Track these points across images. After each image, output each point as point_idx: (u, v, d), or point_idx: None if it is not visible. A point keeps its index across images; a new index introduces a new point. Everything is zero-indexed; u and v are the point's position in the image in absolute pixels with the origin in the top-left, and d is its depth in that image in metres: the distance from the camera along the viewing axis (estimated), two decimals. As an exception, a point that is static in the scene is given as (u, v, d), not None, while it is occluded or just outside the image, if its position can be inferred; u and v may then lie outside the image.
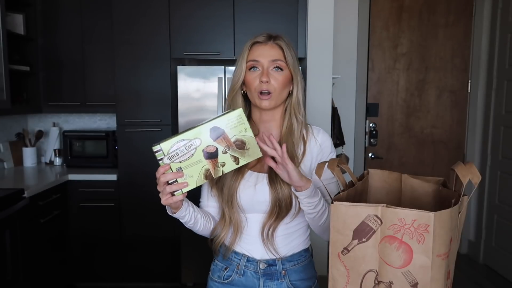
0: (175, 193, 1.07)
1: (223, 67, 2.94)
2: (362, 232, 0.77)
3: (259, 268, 1.26)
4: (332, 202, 0.81)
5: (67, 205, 3.08)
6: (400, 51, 3.70)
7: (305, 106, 1.31)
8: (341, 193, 0.87)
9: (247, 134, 1.08)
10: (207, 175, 1.07)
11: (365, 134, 3.73)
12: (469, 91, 3.76)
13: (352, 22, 3.61)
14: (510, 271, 3.36)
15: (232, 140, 1.07)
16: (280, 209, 1.20)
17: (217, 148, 1.07)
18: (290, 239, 1.27)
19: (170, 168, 1.06)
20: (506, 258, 3.40)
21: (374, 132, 3.72)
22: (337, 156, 3.52)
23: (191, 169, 1.07)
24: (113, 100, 3.13)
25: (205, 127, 1.07)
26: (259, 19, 2.98)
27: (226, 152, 1.07)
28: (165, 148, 1.06)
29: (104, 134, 3.33)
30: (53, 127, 3.55)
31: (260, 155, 1.09)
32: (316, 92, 3.13)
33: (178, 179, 1.06)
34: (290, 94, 1.28)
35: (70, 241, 3.13)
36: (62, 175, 3.06)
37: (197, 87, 2.95)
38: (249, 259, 1.27)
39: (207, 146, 1.06)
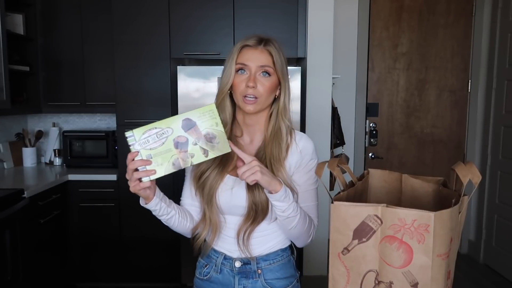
0: (142, 179, 1.08)
1: (223, 67, 2.93)
2: (362, 232, 0.77)
3: (234, 266, 1.29)
4: (332, 202, 0.81)
5: (67, 205, 3.07)
6: (400, 51, 3.70)
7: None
8: (341, 193, 0.87)
9: (218, 128, 1.10)
10: (176, 165, 1.09)
11: (365, 134, 3.73)
12: (469, 91, 3.76)
13: (352, 22, 3.61)
14: (510, 271, 3.36)
15: (203, 132, 1.09)
16: (257, 213, 1.22)
17: (187, 139, 1.09)
18: (265, 240, 1.29)
19: (140, 155, 1.08)
20: (506, 258, 3.39)
21: (374, 132, 3.72)
22: (337, 156, 3.52)
23: (160, 157, 1.08)
24: (113, 100, 3.13)
25: (178, 118, 1.11)
26: (259, 19, 2.97)
27: (196, 144, 1.09)
28: (137, 135, 1.09)
29: (104, 134, 3.33)
30: (53, 127, 3.55)
31: (229, 150, 1.11)
32: (316, 92, 3.13)
33: (146, 167, 1.08)
34: (276, 99, 1.27)
35: (70, 241, 3.13)
36: (62, 175, 3.06)
37: (197, 87, 2.95)
38: (226, 257, 1.30)
39: (178, 136, 1.09)
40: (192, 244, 1.34)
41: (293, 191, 1.22)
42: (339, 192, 0.88)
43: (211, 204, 1.24)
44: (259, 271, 1.28)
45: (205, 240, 1.32)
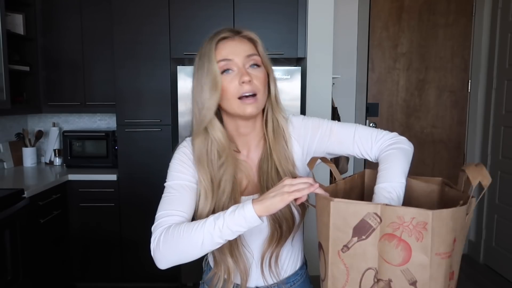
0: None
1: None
2: (362, 230, 0.77)
3: None
4: (332, 200, 0.81)
5: (67, 205, 3.08)
6: (400, 51, 3.70)
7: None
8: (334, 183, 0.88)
9: None
10: None
11: (365, 134, 3.73)
12: (469, 91, 3.76)
13: (352, 22, 3.62)
14: (510, 271, 3.36)
15: None
16: (281, 230, 1.04)
17: None
18: (289, 256, 1.14)
19: None
20: (506, 258, 3.39)
21: (374, 132, 3.71)
22: (337, 156, 3.48)
23: None
24: (113, 100, 3.13)
25: None
26: (259, 19, 2.98)
27: None
28: None
29: (104, 134, 3.33)
30: (53, 127, 3.55)
31: None
32: (316, 92, 3.13)
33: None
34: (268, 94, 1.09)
35: (70, 241, 3.13)
36: (62, 175, 3.06)
37: (197, 87, 2.95)
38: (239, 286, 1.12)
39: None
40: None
41: (304, 205, 1.07)
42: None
43: (237, 245, 1.03)
44: None
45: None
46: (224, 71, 1.01)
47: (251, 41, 1.05)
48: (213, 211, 1.01)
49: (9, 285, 2.37)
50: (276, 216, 1.03)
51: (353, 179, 1.04)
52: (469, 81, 3.74)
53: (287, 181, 0.86)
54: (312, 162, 0.98)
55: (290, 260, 1.15)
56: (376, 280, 0.78)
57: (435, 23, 3.67)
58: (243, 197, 1.06)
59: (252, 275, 1.10)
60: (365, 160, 3.73)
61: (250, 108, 1.00)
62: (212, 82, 1.00)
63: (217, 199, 1.03)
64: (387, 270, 0.76)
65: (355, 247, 0.78)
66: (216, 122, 1.04)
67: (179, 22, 3.01)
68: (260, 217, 0.86)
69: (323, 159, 1.00)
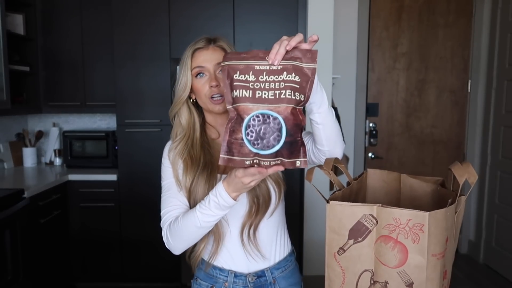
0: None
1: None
2: (358, 232, 0.77)
3: (249, 282, 1.24)
4: (328, 202, 0.81)
5: (67, 205, 3.08)
6: (400, 51, 3.70)
7: None
8: (336, 192, 0.87)
9: None
10: None
11: (365, 134, 3.73)
12: (469, 91, 3.76)
13: (352, 22, 3.61)
14: (510, 271, 3.36)
15: None
16: (259, 205, 1.19)
17: None
18: (273, 237, 1.25)
19: None
20: (506, 258, 3.39)
21: (374, 132, 3.72)
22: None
23: None
24: (113, 100, 3.13)
25: None
26: (259, 20, 2.98)
27: None
28: None
29: (104, 134, 3.33)
30: (53, 127, 3.55)
31: None
32: (316, 92, 3.13)
33: None
34: None
35: (70, 241, 3.13)
36: (62, 175, 3.07)
37: (197, 87, 2.95)
38: (236, 275, 1.24)
39: None
40: (189, 263, 1.30)
41: (280, 185, 1.22)
42: (334, 192, 0.88)
43: None
44: (274, 281, 1.25)
45: (201, 257, 1.28)
46: (198, 75, 1.21)
47: (224, 50, 1.22)
48: (191, 185, 1.19)
49: (9, 285, 2.37)
50: (255, 193, 1.18)
51: (362, 180, 1.04)
52: (469, 81, 3.74)
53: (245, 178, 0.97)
54: (309, 173, 0.97)
55: (276, 242, 1.26)
56: (372, 282, 0.78)
57: (435, 23, 3.67)
58: (218, 175, 1.21)
59: (241, 257, 1.23)
60: (365, 160, 3.73)
61: (218, 107, 1.20)
62: (184, 84, 1.22)
63: (193, 172, 1.20)
64: (383, 272, 0.76)
65: (351, 250, 0.78)
66: (184, 111, 1.25)
67: (179, 22, 3.01)
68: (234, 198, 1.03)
69: (336, 161, 1.00)
